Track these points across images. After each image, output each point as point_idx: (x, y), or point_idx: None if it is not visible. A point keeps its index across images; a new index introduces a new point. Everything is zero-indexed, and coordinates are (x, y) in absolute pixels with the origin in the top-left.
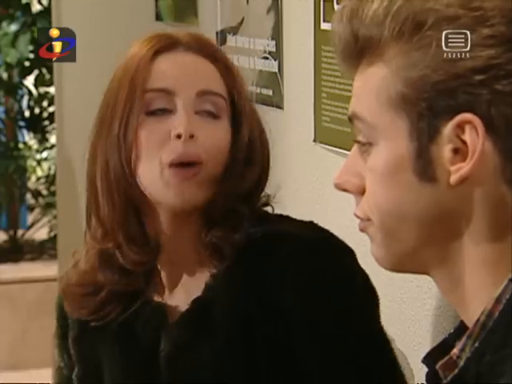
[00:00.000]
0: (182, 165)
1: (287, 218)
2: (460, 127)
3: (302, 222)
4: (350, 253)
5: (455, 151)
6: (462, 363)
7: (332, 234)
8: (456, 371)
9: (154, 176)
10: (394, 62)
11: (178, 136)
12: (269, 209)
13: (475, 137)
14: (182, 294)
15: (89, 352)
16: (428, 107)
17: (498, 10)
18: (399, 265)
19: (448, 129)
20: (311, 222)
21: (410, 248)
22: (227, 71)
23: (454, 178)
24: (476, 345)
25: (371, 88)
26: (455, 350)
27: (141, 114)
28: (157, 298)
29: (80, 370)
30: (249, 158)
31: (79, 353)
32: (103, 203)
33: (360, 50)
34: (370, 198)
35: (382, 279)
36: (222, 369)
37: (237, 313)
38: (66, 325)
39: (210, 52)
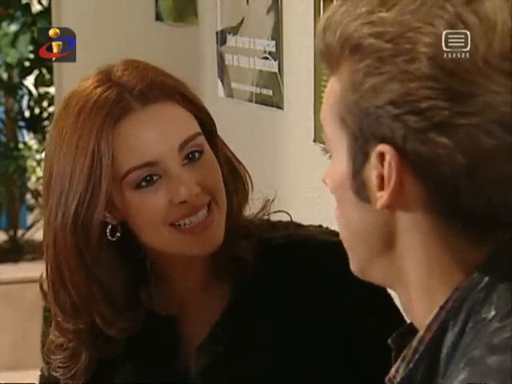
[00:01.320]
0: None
1: (297, 224)
2: (381, 156)
3: (316, 226)
4: None
5: (380, 178)
6: None
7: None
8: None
9: (162, 239)
10: (343, 80)
11: (184, 202)
12: (284, 216)
13: (390, 168)
14: (198, 306)
15: (99, 371)
16: (360, 131)
17: (421, 45)
18: (362, 275)
19: (373, 156)
20: (322, 226)
21: (363, 263)
22: (189, 101)
23: (378, 205)
24: (408, 367)
25: (329, 100)
26: (392, 371)
27: (127, 191)
28: (168, 312)
29: None
30: (233, 173)
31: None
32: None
33: (327, 59)
34: (336, 211)
35: None
36: (265, 379)
37: (274, 319)
38: None
39: (167, 92)
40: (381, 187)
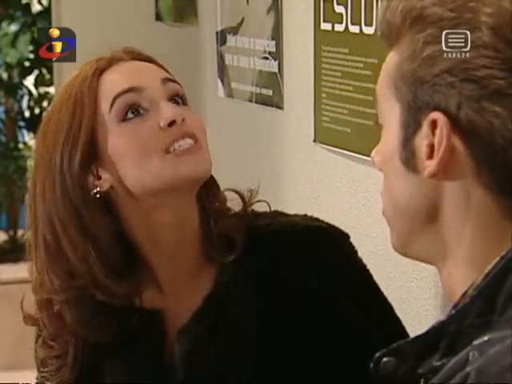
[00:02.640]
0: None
1: (281, 212)
2: (433, 124)
3: (300, 215)
4: (347, 236)
5: (430, 147)
6: (443, 319)
7: (326, 224)
8: (435, 324)
9: (155, 170)
10: (402, 51)
11: (170, 124)
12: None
13: (441, 136)
14: (186, 295)
15: (87, 368)
16: (414, 100)
17: (486, 16)
18: (404, 251)
19: (425, 124)
20: (305, 215)
21: (405, 237)
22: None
23: (426, 173)
24: (465, 302)
25: (386, 72)
26: (441, 317)
27: (116, 126)
28: (153, 305)
29: None
30: None
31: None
32: (65, 241)
33: (387, 35)
34: (382, 188)
35: (382, 279)
36: (245, 362)
37: (256, 303)
38: None
39: (151, 58)
40: (430, 156)
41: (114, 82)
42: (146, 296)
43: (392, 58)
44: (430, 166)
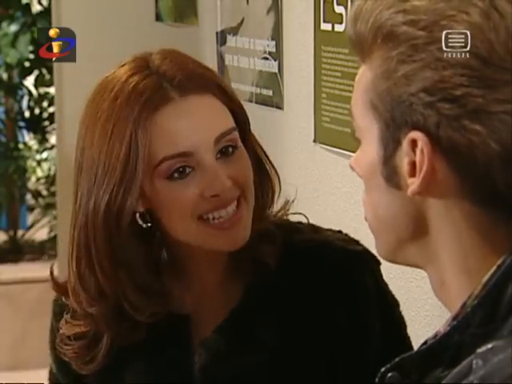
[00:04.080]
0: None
1: (317, 227)
2: (413, 143)
3: (334, 231)
4: (379, 263)
5: (411, 164)
6: (445, 331)
7: (365, 248)
8: (437, 337)
9: (189, 231)
10: (375, 67)
11: (215, 196)
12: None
13: (422, 156)
14: (212, 304)
15: (109, 368)
16: (392, 118)
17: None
18: (391, 259)
19: (405, 143)
20: (341, 232)
21: (393, 247)
22: (226, 95)
23: (409, 191)
24: (466, 312)
25: (360, 88)
26: (440, 329)
27: (158, 180)
28: (179, 310)
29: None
30: (262, 172)
31: (98, 373)
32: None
33: (358, 48)
34: (363, 196)
35: None
36: (260, 380)
37: (279, 323)
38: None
39: (205, 84)
40: (412, 174)
41: (163, 136)
42: (176, 303)
43: (365, 74)
44: (412, 184)
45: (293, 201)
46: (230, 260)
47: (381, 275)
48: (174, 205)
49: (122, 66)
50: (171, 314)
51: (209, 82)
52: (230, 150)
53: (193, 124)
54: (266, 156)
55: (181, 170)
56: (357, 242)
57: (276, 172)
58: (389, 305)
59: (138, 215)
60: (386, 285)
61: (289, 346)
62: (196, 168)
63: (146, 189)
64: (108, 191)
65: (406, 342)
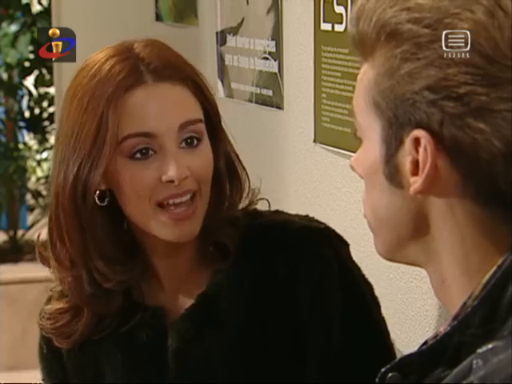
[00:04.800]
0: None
1: (281, 212)
2: (416, 141)
3: (300, 215)
4: (346, 244)
5: (414, 163)
6: (445, 331)
7: (329, 226)
8: (438, 337)
9: (145, 215)
10: (377, 66)
11: (171, 181)
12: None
13: (426, 154)
14: (184, 294)
15: (87, 363)
16: (395, 117)
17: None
18: (390, 257)
19: (408, 141)
20: (307, 215)
21: (392, 246)
22: (199, 89)
23: (411, 190)
24: (466, 312)
25: (362, 86)
26: (440, 329)
27: (120, 158)
28: (154, 303)
29: (77, 381)
30: (230, 169)
31: (76, 364)
32: (69, 227)
33: (360, 46)
34: (363, 195)
35: (382, 280)
36: (231, 360)
37: (245, 303)
38: (58, 357)
39: (180, 75)
40: (414, 172)
41: (131, 115)
42: (150, 294)
43: (367, 72)
44: (415, 182)
45: (259, 190)
46: (197, 248)
47: (348, 254)
48: (133, 186)
49: (106, 48)
50: (146, 306)
51: (184, 74)
52: (195, 141)
53: (160, 108)
54: (236, 155)
55: (144, 151)
56: (320, 223)
57: (245, 169)
58: (353, 281)
59: (97, 193)
60: (353, 263)
61: (255, 326)
62: (158, 152)
63: (111, 167)
64: (77, 163)
65: (372, 322)
